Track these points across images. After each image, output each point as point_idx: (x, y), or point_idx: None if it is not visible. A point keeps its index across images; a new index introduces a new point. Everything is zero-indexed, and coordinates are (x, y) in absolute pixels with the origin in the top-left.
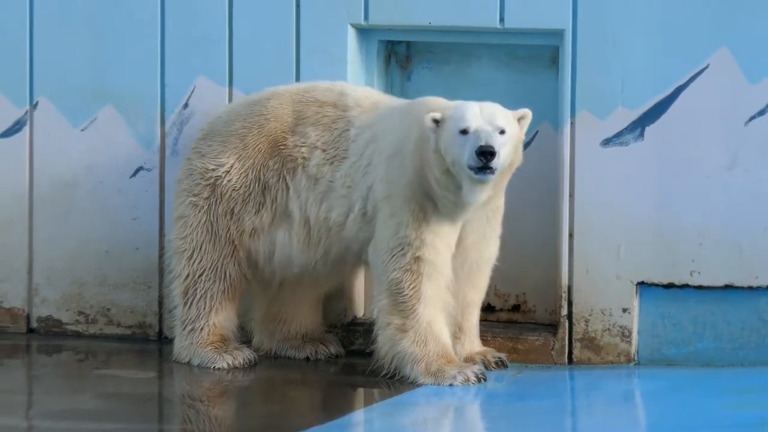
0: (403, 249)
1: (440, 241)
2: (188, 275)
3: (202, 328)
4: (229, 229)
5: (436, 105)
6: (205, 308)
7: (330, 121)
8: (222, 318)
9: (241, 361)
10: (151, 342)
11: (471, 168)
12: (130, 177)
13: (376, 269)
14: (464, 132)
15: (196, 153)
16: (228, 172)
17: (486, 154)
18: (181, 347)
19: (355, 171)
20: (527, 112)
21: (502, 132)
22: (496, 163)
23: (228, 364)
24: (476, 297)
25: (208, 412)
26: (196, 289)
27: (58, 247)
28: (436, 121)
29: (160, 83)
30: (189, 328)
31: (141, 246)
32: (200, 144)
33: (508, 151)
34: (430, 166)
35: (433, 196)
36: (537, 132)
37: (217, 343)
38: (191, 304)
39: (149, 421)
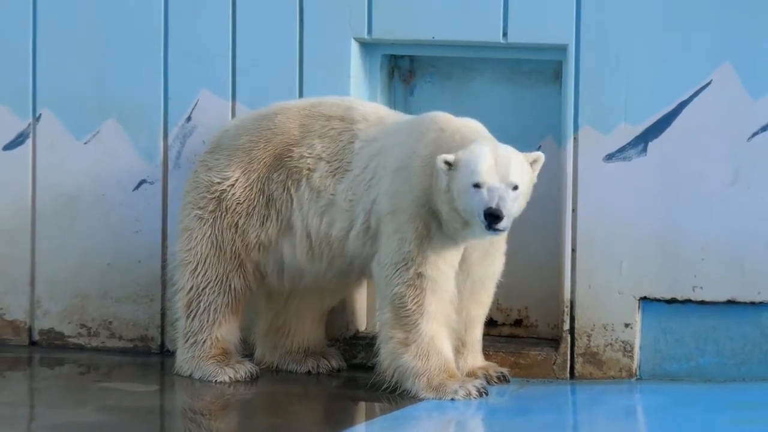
0: (406, 264)
1: (442, 260)
2: (192, 288)
3: (204, 341)
4: (234, 242)
5: (443, 121)
6: (208, 321)
7: (336, 133)
8: (225, 331)
9: (243, 375)
10: (153, 355)
11: (482, 221)
12: (133, 190)
13: (379, 283)
14: (477, 186)
15: (202, 166)
16: (233, 185)
17: (493, 217)
18: (183, 360)
19: (358, 184)
20: (540, 156)
21: (515, 188)
22: (503, 224)
23: (230, 377)
24: (480, 312)
25: (210, 425)
26: (199, 302)
27: (61, 259)
28: (449, 164)
29: (163, 96)
30: (191, 341)
31: (143, 259)
32: (207, 157)
33: (519, 204)
34: (440, 200)
35: (439, 217)
36: (540, 147)
37: (219, 357)
38: (194, 316)
39: None
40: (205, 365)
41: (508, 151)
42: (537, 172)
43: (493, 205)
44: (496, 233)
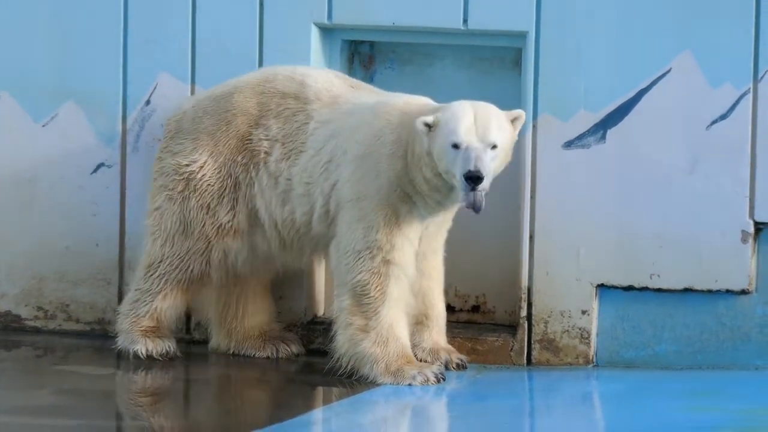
0: (372, 252)
1: (409, 243)
2: (155, 253)
3: (146, 304)
4: (204, 224)
5: (404, 104)
6: (157, 288)
7: (291, 113)
8: (167, 305)
9: (159, 351)
10: (110, 338)
11: (463, 184)
12: (91, 173)
13: (338, 270)
14: (456, 146)
15: (167, 152)
16: (202, 167)
17: (473, 179)
18: (124, 312)
19: (314, 166)
20: (521, 114)
21: (494, 147)
22: (483, 185)
23: (146, 350)
24: (431, 283)
25: (166, 409)
26: (158, 268)
27: (18, 242)
28: (428, 125)
29: (122, 79)
30: (137, 297)
31: (101, 242)
32: (170, 143)
33: (497, 165)
34: (420, 167)
35: (413, 197)
36: None
37: (150, 327)
38: (149, 278)
39: (107, 417)
40: (133, 329)
41: (488, 110)
42: (518, 130)
43: (472, 167)
44: (476, 195)
